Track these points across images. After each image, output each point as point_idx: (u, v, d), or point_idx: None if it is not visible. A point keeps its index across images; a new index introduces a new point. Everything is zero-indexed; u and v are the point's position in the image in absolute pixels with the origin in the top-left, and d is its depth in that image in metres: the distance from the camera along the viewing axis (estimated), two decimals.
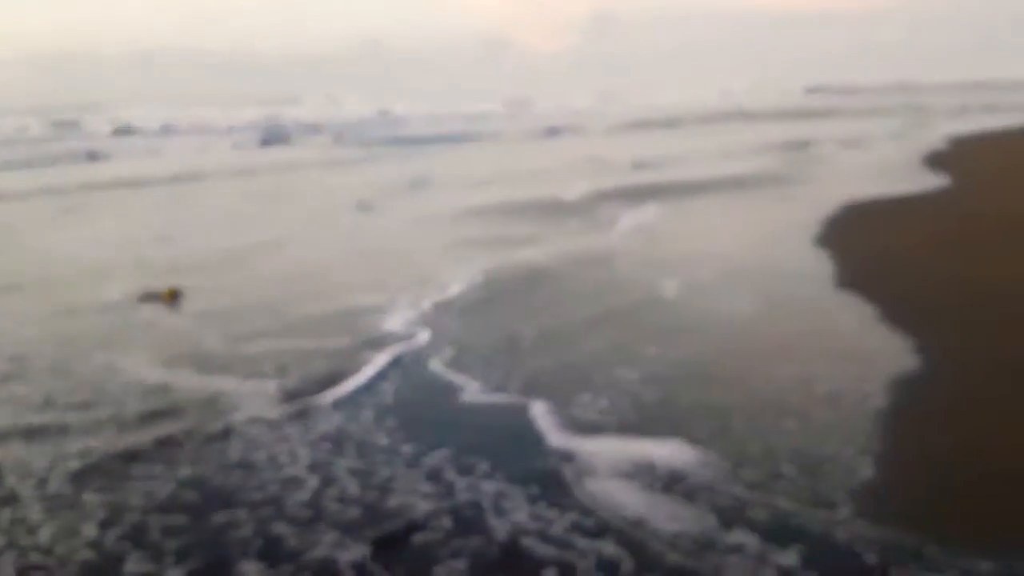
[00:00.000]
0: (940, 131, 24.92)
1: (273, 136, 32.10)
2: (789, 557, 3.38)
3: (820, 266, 8.14)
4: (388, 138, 31.35)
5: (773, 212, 11.36)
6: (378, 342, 6.18)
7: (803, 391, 5.05)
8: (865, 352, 5.71)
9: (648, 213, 11.71)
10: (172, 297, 7.70)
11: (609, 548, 3.49)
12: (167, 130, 38.67)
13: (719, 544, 3.49)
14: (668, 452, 4.29)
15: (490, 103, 58.83)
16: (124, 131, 37.72)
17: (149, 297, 7.67)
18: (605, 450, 4.37)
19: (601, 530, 3.63)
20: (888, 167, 16.27)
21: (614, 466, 4.19)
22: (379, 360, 5.79)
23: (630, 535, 3.58)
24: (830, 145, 22.71)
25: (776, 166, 17.88)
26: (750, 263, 8.47)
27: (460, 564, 3.43)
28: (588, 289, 7.67)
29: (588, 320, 6.63)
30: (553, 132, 32.43)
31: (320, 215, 12.81)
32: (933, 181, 13.85)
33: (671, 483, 4.00)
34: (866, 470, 4.05)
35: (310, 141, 31.06)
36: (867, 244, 9.18)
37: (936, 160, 16.74)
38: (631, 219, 11.28)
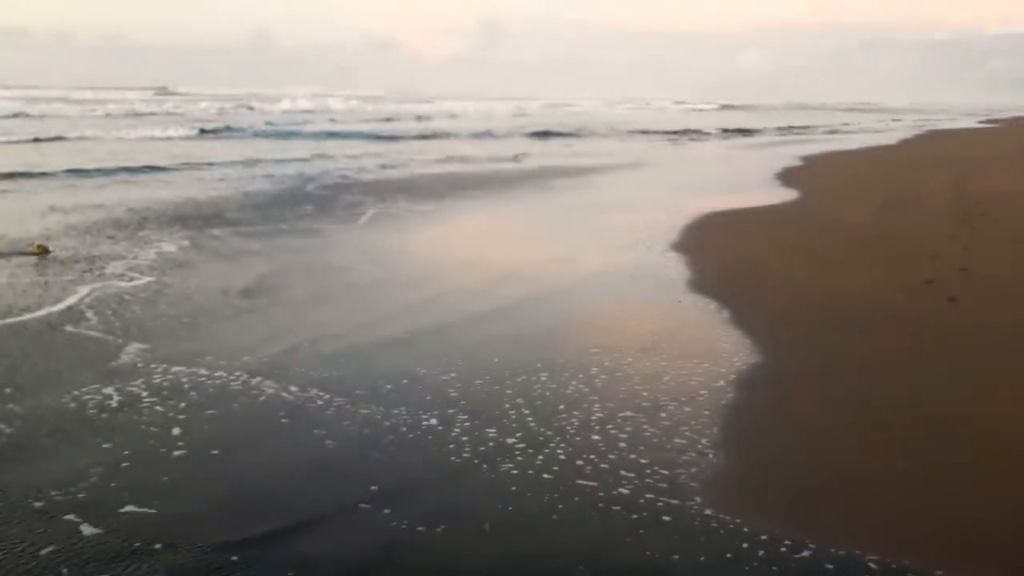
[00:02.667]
0: (798, 149, 26.42)
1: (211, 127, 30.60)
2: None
3: (674, 271, 8.49)
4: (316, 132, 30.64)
5: (627, 221, 11.73)
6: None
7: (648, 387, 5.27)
8: (705, 350, 6.00)
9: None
10: (42, 251, 8.86)
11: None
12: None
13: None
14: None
15: (400, 104, 59.48)
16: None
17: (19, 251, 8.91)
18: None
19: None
20: (745, 181, 17.11)
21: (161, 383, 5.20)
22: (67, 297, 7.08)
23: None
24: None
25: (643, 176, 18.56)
26: (602, 267, 8.73)
27: None
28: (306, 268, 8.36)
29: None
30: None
31: None
32: (784, 194, 14.69)
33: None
34: (715, 462, 4.30)
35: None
36: (720, 251, 9.66)
37: (788, 176, 17.74)
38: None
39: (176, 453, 4.36)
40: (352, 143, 26.56)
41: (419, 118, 43.43)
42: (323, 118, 40.75)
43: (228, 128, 31.57)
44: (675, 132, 36.01)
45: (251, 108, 46.49)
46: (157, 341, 6.05)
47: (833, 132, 39.74)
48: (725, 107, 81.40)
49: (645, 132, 35.59)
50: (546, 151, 25.34)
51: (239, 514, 3.78)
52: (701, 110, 73.10)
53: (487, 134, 31.86)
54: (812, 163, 21.45)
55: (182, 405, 4.92)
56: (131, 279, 7.89)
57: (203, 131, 29.39)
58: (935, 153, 25.11)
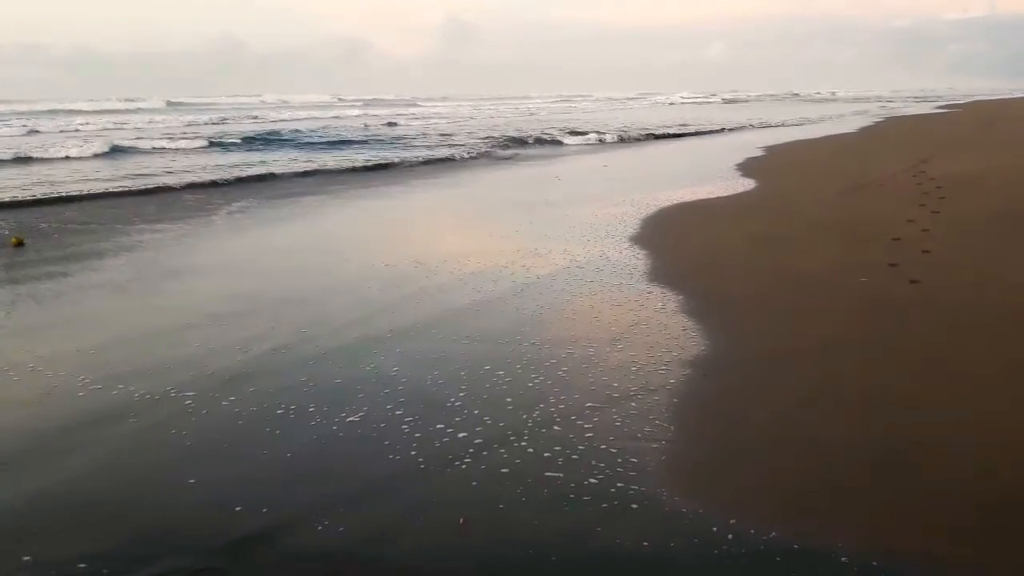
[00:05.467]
0: (759, 139, 26.81)
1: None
2: None
3: (635, 262, 8.59)
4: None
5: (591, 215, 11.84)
6: None
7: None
8: (668, 339, 6.08)
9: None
10: (18, 244, 10.02)
11: None
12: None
13: None
14: None
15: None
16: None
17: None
18: None
19: None
20: (706, 172, 17.31)
21: None
22: None
23: None
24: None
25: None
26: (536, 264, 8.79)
27: None
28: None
29: None
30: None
31: None
32: (746, 184, 14.92)
33: None
34: (681, 450, 4.38)
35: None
36: (683, 241, 9.79)
37: (748, 166, 17.99)
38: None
39: None
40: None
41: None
42: (359, 123, 39.75)
43: (280, 135, 30.21)
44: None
45: (253, 117, 44.86)
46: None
47: (801, 121, 40.28)
48: (728, 101, 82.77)
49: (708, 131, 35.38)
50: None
51: None
52: (739, 101, 74.41)
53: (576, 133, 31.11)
54: (774, 152, 21.78)
55: None
56: None
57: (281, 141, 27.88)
58: (895, 139, 25.63)
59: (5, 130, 32.17)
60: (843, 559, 3.36)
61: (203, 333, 6.49)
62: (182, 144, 25.90)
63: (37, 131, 32.40)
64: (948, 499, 3.80)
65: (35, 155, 21.65)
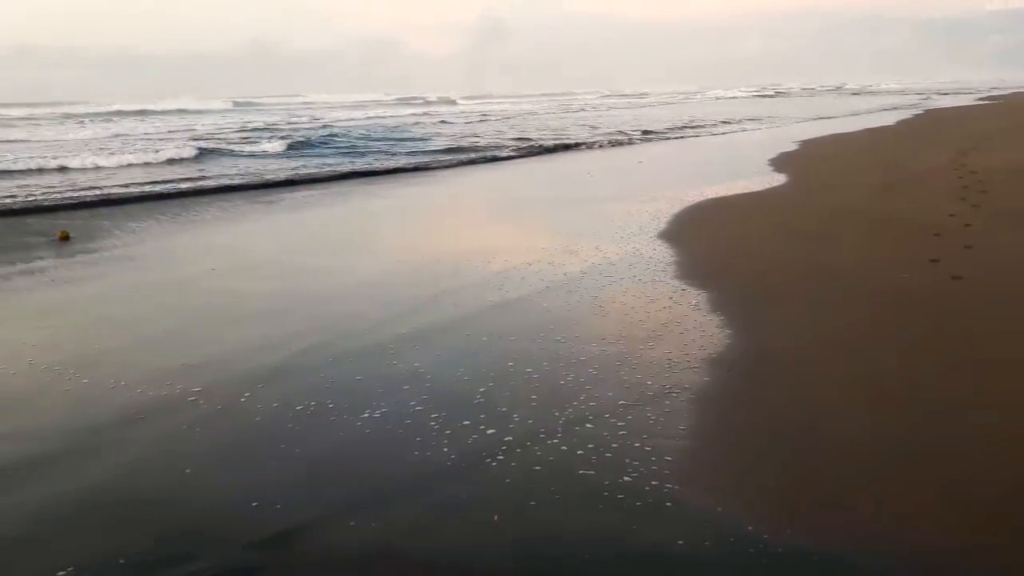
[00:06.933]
0: (797, 133, 26.58)
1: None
2: None
3: (666, 259, 8.55)
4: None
5: (613, 215, 11.81)
6: None
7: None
8: (700, 336, 6.05)
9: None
10: (64, 237, 10.57)
11: None
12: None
13: None
14: None
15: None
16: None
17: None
18: None
19: None
20: (740, 167, 17.19)
21: None
22: None
23: None
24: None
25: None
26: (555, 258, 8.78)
27: None
28: None
29: None
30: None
31: None
32: (776, 179, 14.79)
33: None
34: (713, 449, 4.37)
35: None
36: (721, 237, 9.73)
37: (781, 161, 17.83)
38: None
39: None
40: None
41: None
42: (427, 121, 39.31)
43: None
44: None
45: (317, 118, 43.27)
46: None
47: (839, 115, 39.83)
48: (779, 93, 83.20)
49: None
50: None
51: None
52: (787, 94, 75.18)
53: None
54: (809, 146, 21.55)
55: None
56: None
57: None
58: (934, 132, 25.22)
59: (81, 133, 32.30)
60: (884, 562, 3.33)
61: (235, 333, 6.57)
62: (267, 147, 25.69)
63: (122, 134, 32.06)
64: (980, 502, 3.75)
65: (141, 160, 21.85)
